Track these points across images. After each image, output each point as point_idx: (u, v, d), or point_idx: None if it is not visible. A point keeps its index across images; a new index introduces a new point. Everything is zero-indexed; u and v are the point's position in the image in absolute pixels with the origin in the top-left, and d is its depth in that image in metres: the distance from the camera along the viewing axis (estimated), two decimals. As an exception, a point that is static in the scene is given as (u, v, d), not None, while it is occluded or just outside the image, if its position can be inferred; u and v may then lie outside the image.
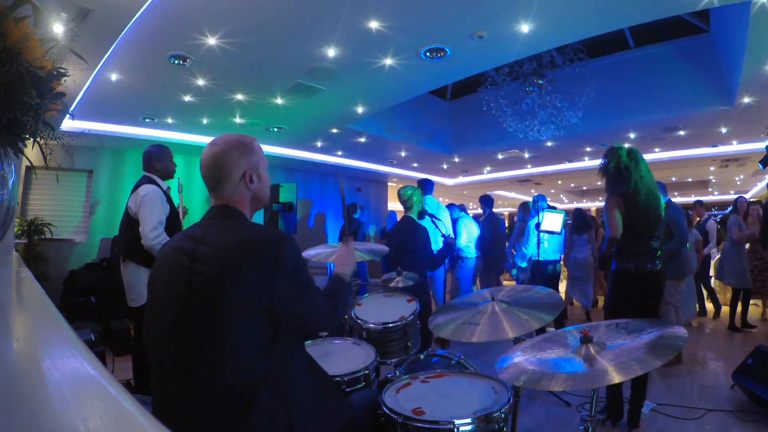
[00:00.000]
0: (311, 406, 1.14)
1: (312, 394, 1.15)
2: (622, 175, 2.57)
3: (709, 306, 6.22)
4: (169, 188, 2.91)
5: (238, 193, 1.20)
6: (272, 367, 1.06)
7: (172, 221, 2.78)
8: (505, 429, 1.25)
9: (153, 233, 2.57)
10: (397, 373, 1.81)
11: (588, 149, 7.27)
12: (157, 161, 2.85)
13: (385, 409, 1.29)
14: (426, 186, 4.82)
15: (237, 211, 1.20)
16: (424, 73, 3.89)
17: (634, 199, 2.53)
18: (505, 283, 6.65)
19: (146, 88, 4.06)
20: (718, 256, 6.89)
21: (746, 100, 4.53)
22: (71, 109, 3.98)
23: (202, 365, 1.03)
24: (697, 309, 5.60)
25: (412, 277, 2.49)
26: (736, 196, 5.58)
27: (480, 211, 5.88)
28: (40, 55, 1.05)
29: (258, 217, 6.43)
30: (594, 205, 15.68)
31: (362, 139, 6.49)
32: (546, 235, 4.70)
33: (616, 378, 1.06)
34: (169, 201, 2.81)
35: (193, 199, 6.41)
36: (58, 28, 2.25)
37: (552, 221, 4.74)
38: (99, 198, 5.90)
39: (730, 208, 5.66)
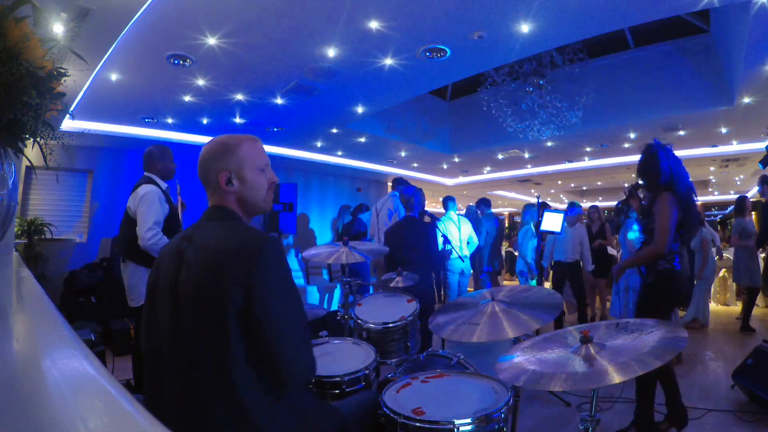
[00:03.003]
0: (301, 414, 1.13)
1: (297, 407, 1.13)
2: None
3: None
4: (168, 188, 2.91)
5: (218, 195, 1.20)
6: (256, 376, 1.04)
7: (172, 221, 2.78)
8: (505, 429, 1.24)
9: (149, 233, 2.56)
10: (397, 373, 1.81)
11: (588, 149, 7.26)
12: (158, 161, 2.85)
13: (385, 409, 1.29)
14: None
15: (229, 211, 1.19)
16: (424, 73, 3.89)
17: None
18: (505, 283, 6.65)
19: (146, 88, 4.06)
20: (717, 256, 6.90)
21: (746, 100, 4.52)
22: (71, 109, 3.98)
23: (192, 367, 1.03)
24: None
25: (412, 277, 2.49)
26: (736, 196, 5.57)
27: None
28: (40, 55, 1.05)
29: (258, 216, 6.43)
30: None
31: (362, 139, 6.49)
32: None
33: (616, 378, 1.06)
34: (168, 201, 2.81)
35: (194, 200, 6.41)
36: (58, 28, 2.24)
37: (552, 221, 4.74)
38: (99, 198, 5.90)
39: (730, 209, 5.66)
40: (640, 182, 2.66)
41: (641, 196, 2.72)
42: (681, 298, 2.55)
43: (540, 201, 4.97)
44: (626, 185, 2.79)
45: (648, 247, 2.42)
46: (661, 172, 2.43)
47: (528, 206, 5.66)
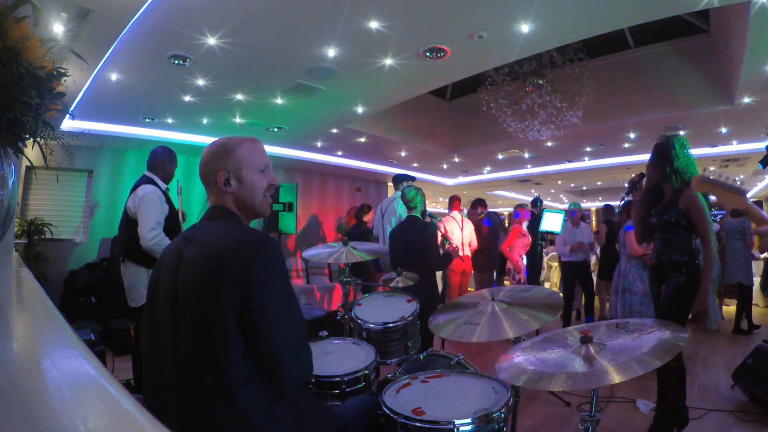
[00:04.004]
0: (300, 414, 1.13)
1: (296, 407, 1.13)
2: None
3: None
4: (167, 189, 2.91)
5: (216, 195, 1.22)
6: (254, 375, 1.04)
7: (172, 222, 2.78)
8: (505, 429, 1.24)
9: (151, 234, 2.56)
10: (397, 373, 1.81)
11: (588, 149, 7.25)
12: (164, 163, 2.86)
13: (385, 409, 1.29)
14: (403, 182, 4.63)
15: (229, 211, 1.20)
16: (424, 73, 3.89)
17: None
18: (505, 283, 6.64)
19: (146, 88, 4.05)
20: None
21: (746, 100, 4.52)
22: (71, 109, 3.98)
23: (190, 366, 1.03)
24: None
25: (411, 277, 2.49)
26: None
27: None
28: (40, 55, 1.05)
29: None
30: (594, 205, 15.69)
31: (362, 139, 6.48)
32: None
33: (616, 378, 1.06)
34: (168, 201, 2.81)
35: (193, 200, 6.41)
36: (58, 28, 2.25)
37: (552, 221, 4.74)
38: (99, 198, 5.90)
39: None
40: (646, 173, 2.63)
41: (642, 189, 2.69)
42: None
43: (534, 199, 4.98)
44: (626, 184, 2.71)
45: (705, 250, 2.35)
46: (671, 157, 2.45)
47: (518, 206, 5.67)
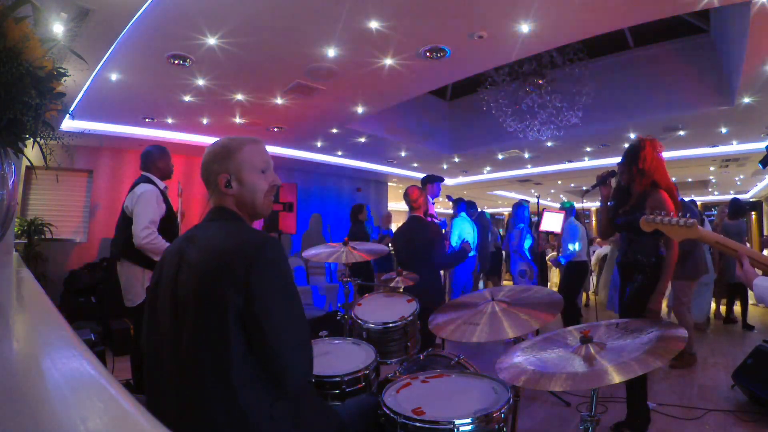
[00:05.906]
0: (300, 414, 1.13)
1: (296, 407, 1.13)
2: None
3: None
4: (167, 188, 2.90)
5: (218, 197, 1.21)
6: (255, 376, 1.04)
7: (169, 222, 2.77)
8: (505, 429, 1.24)
9: (144, 232, 2.56)
10: (397, 373, 1.81)
11: (588, 149, 7.26)
12: (157, 161, 2.85)
13: (385, 409, 1.29)
14: (433, 184, 4.65)
15: (230, 212, 1.20)
16: (424, 73, 3.89)
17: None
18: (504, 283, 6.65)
19: (146, 88, 4.05)
20: None
21: (746, 100, 4.52)
22: (71, 109, 3.97)
23: (191, 366, 1.03)
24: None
25: (411, 277, 2.49)
26: (738, 196, 5.59)
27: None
28: (40, 55, 1.05)
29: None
30: (594, 205, 15.69)
31: (362, 139, 6.48)
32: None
33: (616, 378, 1.06)
34: (166, 201, 2.80)
35: (193, 200, 6.42)
36: (58, 28, 2.24)
37: (552, 221, 4.75)
38: (99, 198, 5.90)
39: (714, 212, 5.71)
40: (616, 170, 2.62)
41: (612, 186, 2.70)
42: None
43: (523, 201, 5.00)
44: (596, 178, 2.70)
45: (667, 254, 2.35)
46: (640, 158, 2.45)
47: (518, 205, 5.67)
